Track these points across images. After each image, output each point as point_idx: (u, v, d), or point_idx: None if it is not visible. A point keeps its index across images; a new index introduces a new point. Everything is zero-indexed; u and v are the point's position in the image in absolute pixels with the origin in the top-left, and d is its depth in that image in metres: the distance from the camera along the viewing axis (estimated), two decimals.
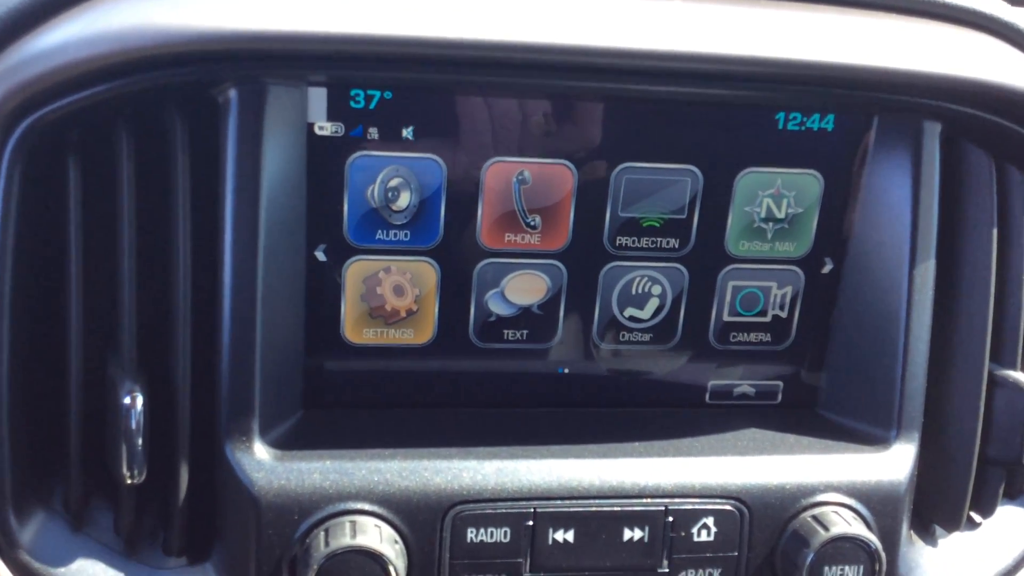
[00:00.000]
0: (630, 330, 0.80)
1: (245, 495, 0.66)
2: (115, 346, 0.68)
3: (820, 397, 0.83)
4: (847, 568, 0.71)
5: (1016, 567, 0.84)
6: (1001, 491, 0.83)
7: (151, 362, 0.68)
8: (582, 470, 0.71)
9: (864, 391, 0.79)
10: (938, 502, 0.81)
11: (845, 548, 0.71)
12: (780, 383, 0.83)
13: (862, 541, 0.71)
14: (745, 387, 0.83)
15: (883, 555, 0.71)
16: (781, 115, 0.75)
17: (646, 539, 0.71)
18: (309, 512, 0.66)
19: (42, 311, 0.68)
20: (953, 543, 0.83)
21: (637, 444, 0.75)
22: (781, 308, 0.81)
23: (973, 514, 0.84)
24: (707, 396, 0.83)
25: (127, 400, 0.65)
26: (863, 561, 0.71)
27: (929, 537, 0.82)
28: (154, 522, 0.71)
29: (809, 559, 0.70)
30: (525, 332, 0.78)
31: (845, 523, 0.71)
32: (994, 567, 0.82)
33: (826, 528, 0.71)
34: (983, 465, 0.81)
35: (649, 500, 0.71)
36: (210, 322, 0.68)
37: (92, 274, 0.68)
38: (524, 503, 0.69)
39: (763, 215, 0.78)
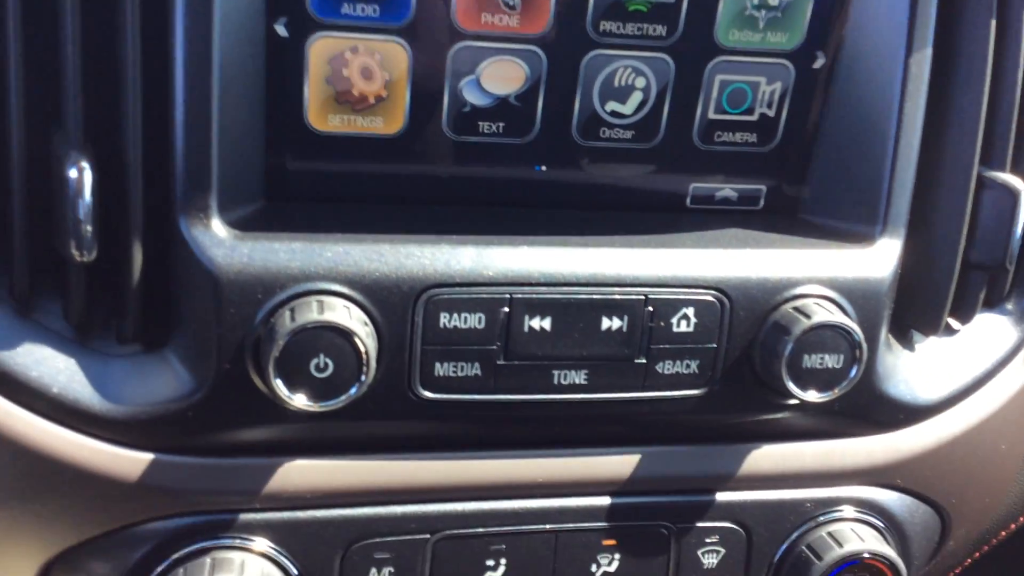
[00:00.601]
0: (611, 126, 0.76)
1: (204, 274, 0.63)
2: (60, 116, 0.63)
3: (804, 203, 0.80)
4: (827, 357, 0.70)
5: (991, 374, 0.84)
6: (981, 298, 0.83)
7: (100, 136, 0.63)
8: (561, 258, 0.68)
9: (850, 192, 0.77)
10: (918, 306, 0.80)
11: (826, 337, 0.69)
12: (763, 187, 0.80)
13: (844, 329, 0.69)
14: (727, 191, 0.80)
15: (864, 345, 0.70)
16: None
17: (624, 328, 0.69)
18: (273, 291, 0.63)
19: None
20: (930, 348, 0.82)
21: (617, 237, 0.72)
22: (769, 106, 0.77)
23: (951, 320, 0.83)
24: (688, 200, 0.80)
25: (73, 172, 0.61)
26: (843, 351, 0.70)
27: (907, 342, 0.82)
28: (107, 311, 0.68)
29: (789, 348, 0.69)
30: (501, 125, 0.74)
31: (827, 312, 0.70)
32: (969, 373, 0.82)
33: (807, 317, 0.69)
34: (965, 270, 0.80)
35: (629, 289, 0.69)
36: (162, 96, 0.63)
37: (34, 37, 0.62)
38: (500, 288, 0.67)
39: (756, 1, 0.73)
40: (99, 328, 0.67)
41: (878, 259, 0.74)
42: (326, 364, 0.62)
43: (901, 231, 0.75)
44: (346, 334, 0.62)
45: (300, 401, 0.62)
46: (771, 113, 0.78)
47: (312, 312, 0.62)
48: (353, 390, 0.63)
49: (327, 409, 0.63)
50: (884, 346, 0.78)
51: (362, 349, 0.62)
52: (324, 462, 0.70)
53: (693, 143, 0.77)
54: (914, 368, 0.80)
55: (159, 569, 0.67)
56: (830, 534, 0.78)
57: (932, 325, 0.81)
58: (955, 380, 0.82)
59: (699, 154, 0.78)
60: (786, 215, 0.81)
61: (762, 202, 0.81)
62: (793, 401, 0.73)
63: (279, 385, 0.61)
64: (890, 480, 0.81)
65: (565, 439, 0.74)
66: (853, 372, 0.70)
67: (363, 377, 0.63)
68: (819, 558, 0.77)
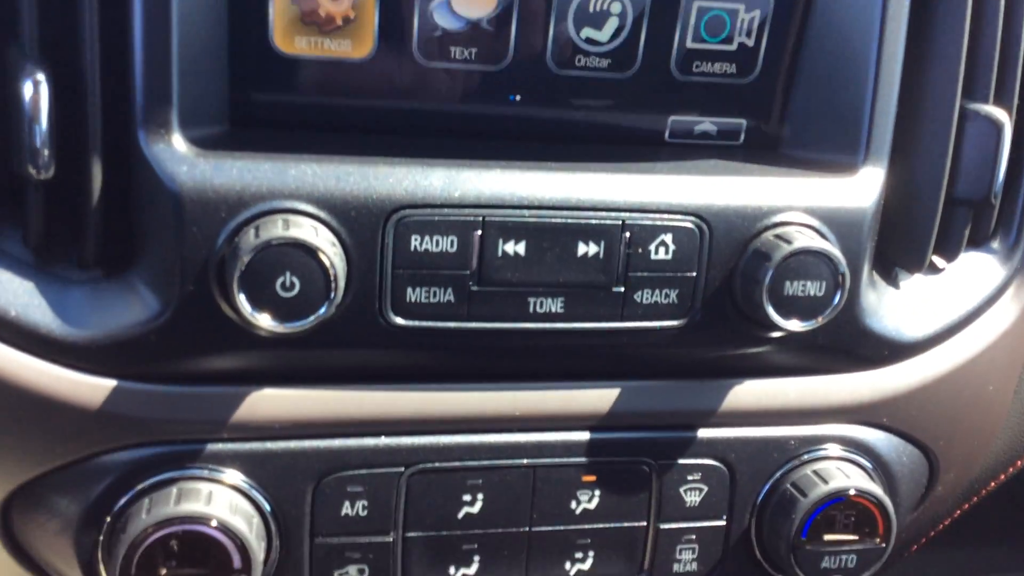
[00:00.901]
0: (587, 54, 0.74)
1: (165, 192, 0.61)
2: (14, 29, 0.61)
3: (785, 139, 0.79)
4: (809, 284, 0.68)
5: (977, 313, 0.82)
6: (966, 235, 0.81)
7: (57, 50, 0.61)
8: (536, 181, 0.67)
9: (832, 123, 0.75)
10: (902, 243, 0.78)
11: (808, 262, 0.68)
12: (743, 122, 0.79)
13: (826, 255, 0.68)
14: (707, 125, 0.79)
15: (847, 272, 0.68)
16: None
17: (601, 255, 0.67)
18: (237, 210, 0.61)
19: None
20: (915, 286, 0.80)
21: (594, 164, 0.70)
22: (748, 35, 0.76)
23: (936, 258, 0.81)
24: (666, 134, 0.78)
25: (29, 87, 0.59)
26: (826, 278, 0.68)
27: (891, 280, 0.80)
28: (68, 237, 0.65)
29: (769, 274, 0.67)
30: (473, 51, 0.72)
31: (808, 239, 0.68)
32: (955, 312, 0.81)
33: (788, 243, 0.68)
34: (949, 205, 0.78)
35: (605, 214, 0.67)
36: (121, 8, 0.62)
37: None
38: (472, 210, 0.65)
39: None
40: (60, 254, 0.65)
41: (860, 188, 0.72)
42: (292, 283, 0.60)
43: (883, 160, 0.73)
44: (312, 251, 0.60)
45: (265, 321, 0.60)
46: (750, 43, 0.76)
47: (277, 229, 0.60)
48: (321, 310, 0.61)
49: (294, 331, 0.61)
50: (868, 283, 0.76)
51: (329, 268, 0.60)
52: (294, 391, 0.68)
53: (671, 73, 0.76)
54: (899, 305, 0.79)
55: (123, 501, 0.65)
56: (815, 472, 0.76)
57: (916, 262, 0.79)
58: (940, 318, 0.80)
59: (677, 85, 0.76)
60: (767, 150, 0.79)
61: (742, 137, 0.79)
62: (775, 333, 0.72)
63: (243, 303, 0.59)
64: (876, 419, 0.79)
65: (544, 372, 0.73)
66: (836, 299, 0.69)
67: (332, 296, 0.61)
68: (804, 495, 0.75)
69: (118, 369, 0.64)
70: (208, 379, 0.66)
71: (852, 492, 0.75)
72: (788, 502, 0.76)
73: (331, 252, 0.61)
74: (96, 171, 0.62)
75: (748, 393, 0.76)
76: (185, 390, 0.65)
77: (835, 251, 0.68)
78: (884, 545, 0.77)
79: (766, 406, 0.76)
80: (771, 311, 0.68)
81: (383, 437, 0.70)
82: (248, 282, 0.59)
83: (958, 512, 0.96)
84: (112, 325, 0.63)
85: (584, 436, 0.74)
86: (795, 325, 0.69)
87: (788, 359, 0.76)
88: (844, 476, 0.76)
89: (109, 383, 0.64)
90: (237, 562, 0.64)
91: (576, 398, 0.73)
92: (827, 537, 0.76)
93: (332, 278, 0.60)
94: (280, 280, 0.60)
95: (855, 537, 0.77)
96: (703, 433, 0.76)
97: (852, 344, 0.76)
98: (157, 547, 0.63)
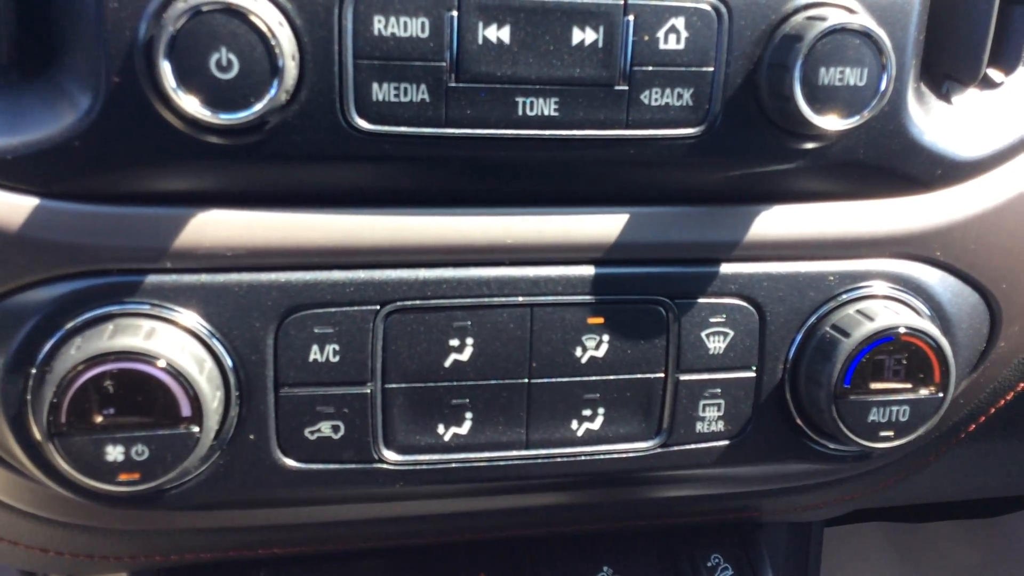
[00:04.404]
0: None
1: None
2: None
3: None
4: (848, 71, 0.58)
5: None
6: None
7: None
8: None
9: None
10: (953, 50, 0.68)
11: (846, 44, 0.57)
12: None
13: (867, 34, 0.57)
14: None
15: (892, 55, 0.58)
16: None
17: (600, 43, 0.57)
18: None
19: None
20: (970, 103, 0.70)
21: None
22: None
23: (992, 71, 0.70)
24: None
25: None
26: (868, 63, 0.58)
27: (942, 95, 0.70)
28: None
29: (800, 59, 0.57)
30: None
31: (845, 16, 0.58)
32: (1016, 131, 0.70)
33: (822, 20, 0.57)
34: (1006, 5, 0.68)
35: None
36: None
37: None
38: None
39: None
40: None
41: None
42: (230, 62, 0.51)
43: None
44: (249, 20, 0.50)
45: (192, 106, 0.51)
46: None
47: None
48: (264, 100, 0.51)
49: (231, 123, 0.52)
50: (916, 93, 0.66)
51: (273, 44, 0.51)
52: (249, 213, 0.58)
53: None
54: (952, 121, 0.68)
55: (51, 343, 0.56)
56: (859, 311, 0.66)
57: (970, 72, 0.68)
58: (1000, 137, 0.69)
59: None
60: None
61: None
62: (809, 143, 0.61)
63: (167, 77, 0.50)
64: (927, 251, 0.69)
65: (539, 195, 0.63)
66: (882, 86, 0.58)
67: (277, 82, 0.52)
68: (846, 335, 0.65)
69: (40, 185, 0.55)
70: (148, 200, 0.57)
71: (903, 331, 0.65)
72: (828, 345, 0.65)
73: (276, 28, 0.51)
74: None
75: (778, 220, 0.66)
76: (120, 211, 0.56)
77: (878, 30, 0.58)
78: (941, 395, 0.67)
79: (800, 235, 0.66)
80: (803, 105, 0.58)
81: (354, 270, 0.60)
82: (176, 56, 0.50)
83: (1021, 386, 0.85)
84: (30, 131, 0.54)
85: (589, 271, 0.64)
86: (833, 122, 0.59)
87: (824, 180, 0.65)
88: (893, 314, 0.66)
89: (29, 201, 0.55)
90: (186, 409, 0.55)
91: (578, 225, 0.63)
92: (874, 385, 0.66)
93: (277, 56, 0.51)
94: (215, 57, 0.50)
95: (907, 385, 0.66)
96: (727, 268, 0.66)
97: (899, 160, 0.65)
98: (90, 389, 0.54)
